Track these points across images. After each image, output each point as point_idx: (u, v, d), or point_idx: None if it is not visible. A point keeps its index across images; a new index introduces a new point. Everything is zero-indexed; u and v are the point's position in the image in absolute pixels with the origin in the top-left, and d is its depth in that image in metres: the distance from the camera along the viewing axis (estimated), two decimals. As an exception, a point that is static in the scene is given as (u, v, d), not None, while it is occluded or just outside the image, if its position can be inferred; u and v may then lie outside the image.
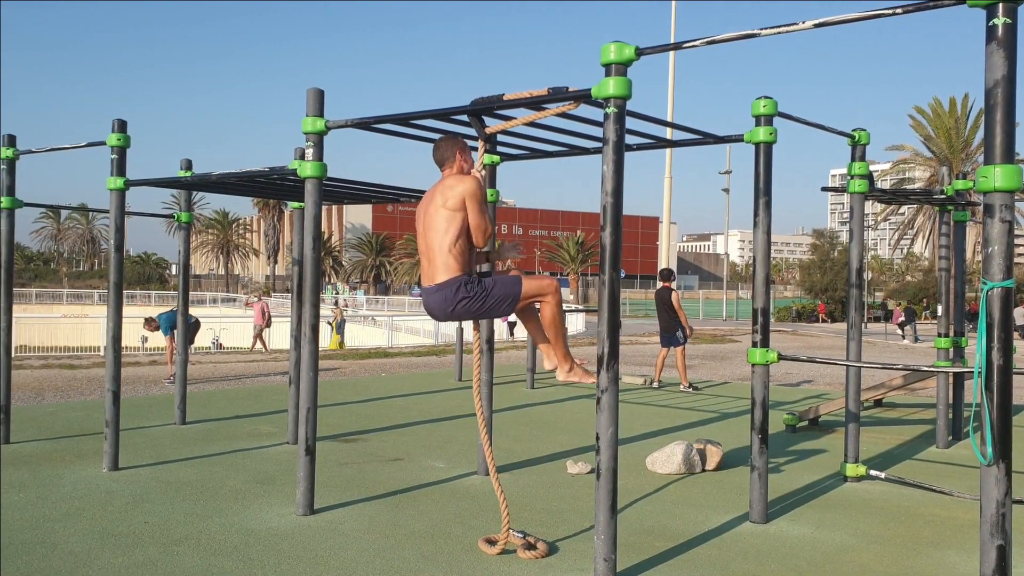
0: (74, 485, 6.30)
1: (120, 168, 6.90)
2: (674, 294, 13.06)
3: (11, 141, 7.75)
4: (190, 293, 9.38)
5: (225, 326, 28.31)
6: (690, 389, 12.92)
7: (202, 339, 25.75)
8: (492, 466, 5.08)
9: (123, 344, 7.16)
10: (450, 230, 4.62)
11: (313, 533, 5.20)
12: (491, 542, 4.93)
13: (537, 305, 4.87)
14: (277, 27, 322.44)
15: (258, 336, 22.46)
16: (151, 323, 14.80)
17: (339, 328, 25.99)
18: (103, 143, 6.97)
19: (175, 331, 14.04)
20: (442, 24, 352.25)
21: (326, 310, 33.15)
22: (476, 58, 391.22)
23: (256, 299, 25.53)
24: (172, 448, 7.72)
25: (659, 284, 13.50)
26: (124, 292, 7.35)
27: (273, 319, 23.10)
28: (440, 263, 4.64)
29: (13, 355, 8.70)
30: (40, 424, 8.84)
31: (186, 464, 7.10)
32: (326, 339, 24.72)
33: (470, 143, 6.37)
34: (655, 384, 13.27)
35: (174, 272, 79.04)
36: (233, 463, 7.16)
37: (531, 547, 4.83)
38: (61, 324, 26.68)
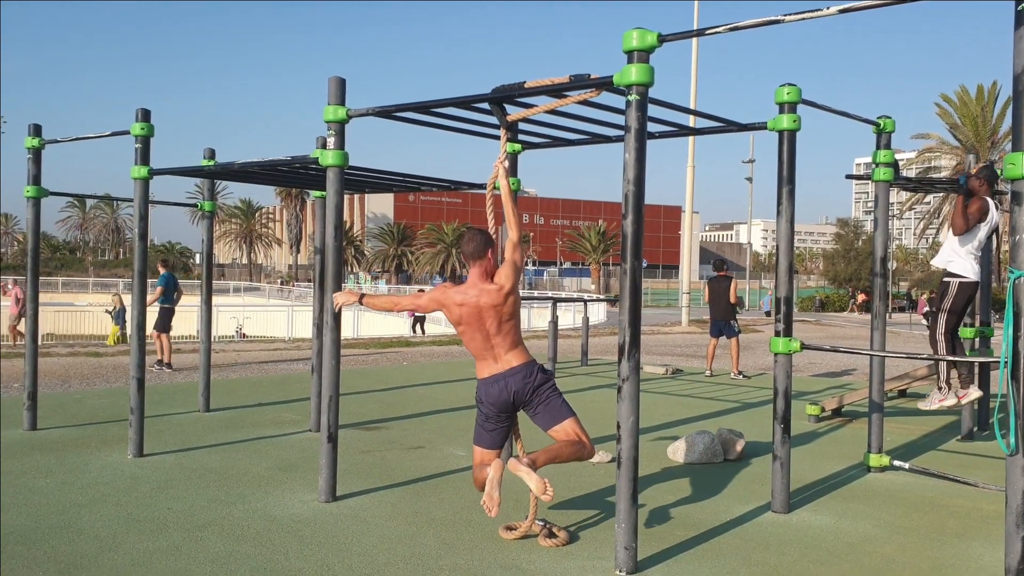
0: (100, 471, 6.37)
1: (144, 157, 6.95)
2: (733, 283, 13.18)
3: (37, 131, 7.82)
4: (213, 282, 9.44)
5: (248, 315, 28.49)
6: (740, 377, 12.98)
7: (226, 327, 25.92)
8: (522, 451, 5.12)
9: (148, 332, 7.22)
10: (516, 326, 4.96)
11: (335, 520, 5.24)
12: (512, 529, 4.95)
13: (565, 435, 4.95)
14: (299, 18, 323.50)
15: (14, 327, 20.48)
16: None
17: (118, 317, 20.64)
18: (127, 132, 7.01)
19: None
20: (463, 15, 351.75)
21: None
22: (497, 48, 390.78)
23: (11, 285, 21.94)
24: (196, 435, 7.79)
25: (713, 273, 13.61)
26: (149, 281, 7.40)
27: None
28: (513, 355, 4.92)
29: (40, 343, 8.80)
30: (66, 411, 8.94)
31: (210, 451, 7.16)
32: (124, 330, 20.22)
33: (492, 131, 6.39)
34: (708, 373, 13.34)
35: (198, 261, 79.57)
36: (256, 450, 7.22)
37: (552, 535, 4.84)
38: (87, 312, 26.86)
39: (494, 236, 5.15)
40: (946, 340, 6.99)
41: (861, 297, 46.37)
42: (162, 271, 14.05)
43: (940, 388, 7.00)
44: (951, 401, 6.97)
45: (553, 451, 4.84)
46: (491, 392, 4.90)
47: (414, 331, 25.91)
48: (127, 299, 14.06)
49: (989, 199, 7.01)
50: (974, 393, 7.06)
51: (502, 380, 4.88)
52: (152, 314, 13.92)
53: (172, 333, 19.02)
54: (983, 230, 6.96)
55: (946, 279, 7.05)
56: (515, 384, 4.87)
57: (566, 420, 4.92)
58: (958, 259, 6.95)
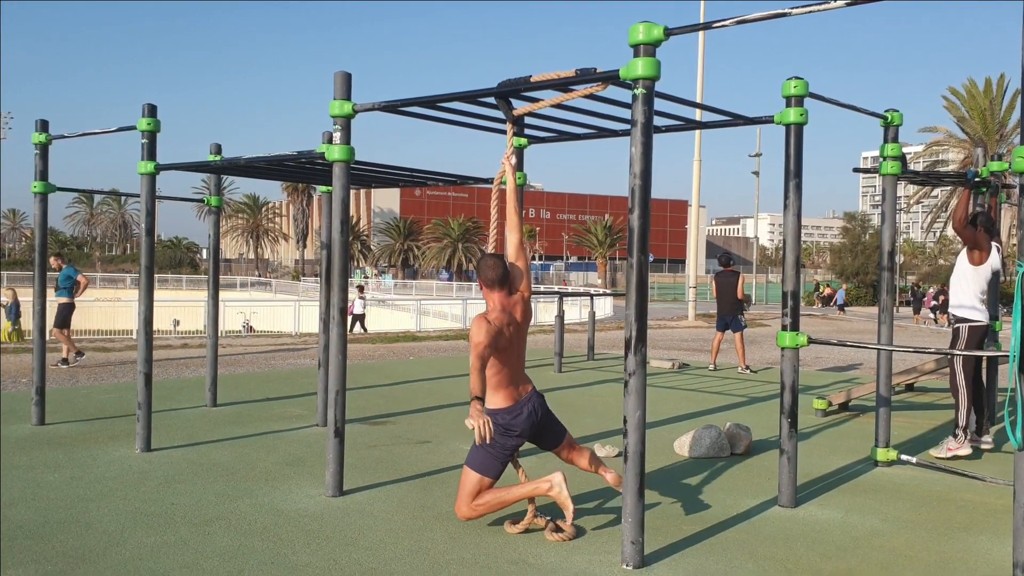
0: (108, 466, 6.39)
1: (151, 153, 6.95)
2: (740, 278, 13.21)
3: (44, 126, 7.84)
4: (220, 277, 9.46)
5: (255, 310, 28.54)
6: (747, 371, 12.96)
7: (232, 322, 25.96)
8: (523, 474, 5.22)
9: (155, 327, 7.25)
10: None
11: (342, 514, 5.25)
12: (516, 523, 4.95)
13: (569, 446, 5.20)
14: (305, 13, 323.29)
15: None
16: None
17: (10, 313, 19.07)
18: (134, 128, 7.02)
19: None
20: (469, 10, 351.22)
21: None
22: (503, 44, 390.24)
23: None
24: (203, 430, 7.81)
25: (719, 268, 13.62)
26: (156, 276, 7.42)
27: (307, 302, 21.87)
28: (525, 377, 5.04)
29: (48, 338, 8.83)
30: (74, 406, 8.97)
31: (217, 446, 7.18)
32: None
33: (498, 126, 6.38)
34: (712, 367, 13.32)
35: (204, 256, 79.63)
36: (263, 445, 7.23)
37: (558, 529, 4.84)
38: (94, 308, 26.93)
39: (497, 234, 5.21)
40: (968, 386, 6.98)
41: (827, 291, 47.26)
42: (60, 265, 13.01)
43: (956, 435, 6.98)
44: (966, 451, 6.93)
45: (596, 460, 5.19)
46: (521, 418, 4.89)
47: (354, 330, 23.86)
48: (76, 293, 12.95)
49: (993, 244, 7.12)
50: (986, 444, 7.19)
51: (528, 404, 4.93)
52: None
53: (179, 328, 18.92)
54: (987, 274, 7.06)
55: (957, 325, 7.14)
56: (540, 405, 4.99)
57: (566, 432, 5.18)
58: (965, 307, 7.09)
